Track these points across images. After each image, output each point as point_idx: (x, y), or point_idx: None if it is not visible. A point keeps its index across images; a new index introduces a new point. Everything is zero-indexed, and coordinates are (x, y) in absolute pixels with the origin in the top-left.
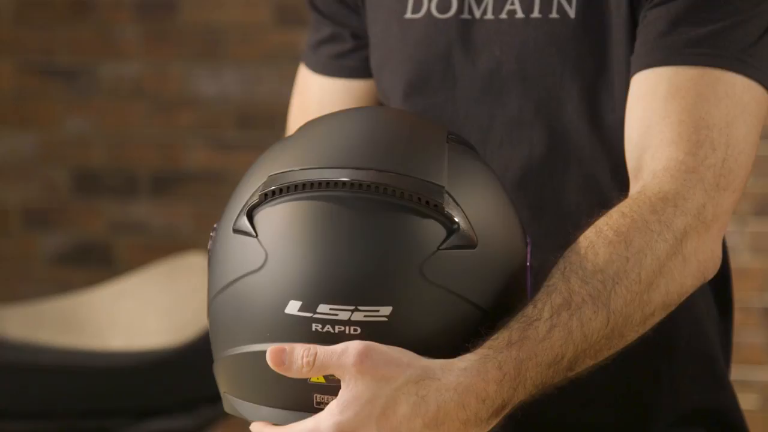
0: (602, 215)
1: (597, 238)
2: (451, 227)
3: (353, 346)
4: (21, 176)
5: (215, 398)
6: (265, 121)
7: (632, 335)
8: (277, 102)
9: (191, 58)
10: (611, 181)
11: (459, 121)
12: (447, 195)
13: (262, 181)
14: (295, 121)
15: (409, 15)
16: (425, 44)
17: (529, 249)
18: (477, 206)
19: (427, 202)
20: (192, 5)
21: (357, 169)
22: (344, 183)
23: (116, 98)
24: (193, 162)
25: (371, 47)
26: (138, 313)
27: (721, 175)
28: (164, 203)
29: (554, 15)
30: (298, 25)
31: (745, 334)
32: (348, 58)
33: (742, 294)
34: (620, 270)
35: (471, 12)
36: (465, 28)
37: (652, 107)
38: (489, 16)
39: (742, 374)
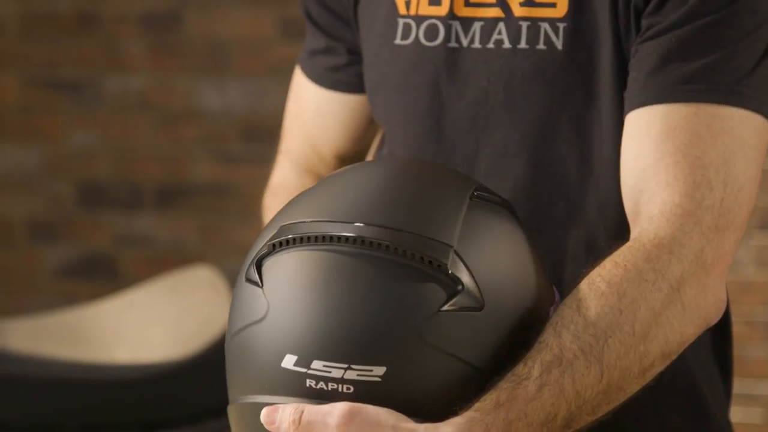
0: (596, 265)
1: (589, 291)
2: (455, 288)
3: (339, 407)
4: (26, 189)
5: (220, 411)
6: (271, 134)
7: (633, 388)
8: (283, 115)
9: (196, 72)
10: (597, 215)
11: (446, 151)
12: (454, 255)
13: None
14: (290, 127)
15: (398, 41)
16: (413, 72)
17: (553, 308)
18: (489, 267)
19: (430, 262)
20: (197, 19)
21: (364, 224)
22: (347, 238)
23: (121, 111)
24: (198, 175)
25: (364, 67)
26: (143, 326)
27: (720, 215)
28: (169, 216)
29: (541, 46)
30: (303, 39)
31: (750, 347)
32: (342, 73)
33: (746, 308)
34: (613, 323)
35: (458, 40)
36: (452, 56)
37: (647, 149)
38: (476, 45)
39: (747, 388)
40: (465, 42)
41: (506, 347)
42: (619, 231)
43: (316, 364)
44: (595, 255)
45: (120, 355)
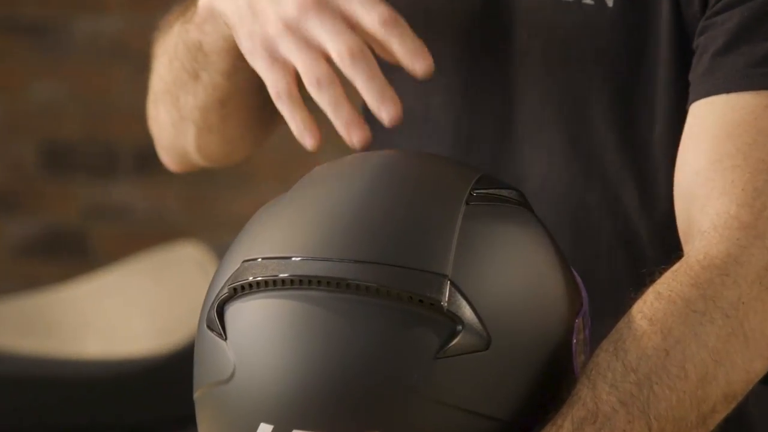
0: (639, 296)
1: (628, 331)
2: (453, 328)
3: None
4: None
5: None
6: None
7: None
8: None
9: None
10: (639, 205)
11: (475, 110)
12: (450, 286)
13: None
14: None
15: None
16: (446, 15)
17: (578, 322)
18: (494, 292)
19: (421, 301)
20: None
21: (339, 261)
22: (319, 280)
23: (93, 59)
24: None
25: None
26: (119, 313)
27: None
28: (150, 184)
29: (588, 1)
30: None
31: None
32: None
33: None
34: (658, 366)
35: None
36: (492, 3)
37: (703, 148)
38: None
39: None
40: None
41: (528, 386)
42: (667, 231)
43: None
44: (632, 254)
45: (92, 349)
